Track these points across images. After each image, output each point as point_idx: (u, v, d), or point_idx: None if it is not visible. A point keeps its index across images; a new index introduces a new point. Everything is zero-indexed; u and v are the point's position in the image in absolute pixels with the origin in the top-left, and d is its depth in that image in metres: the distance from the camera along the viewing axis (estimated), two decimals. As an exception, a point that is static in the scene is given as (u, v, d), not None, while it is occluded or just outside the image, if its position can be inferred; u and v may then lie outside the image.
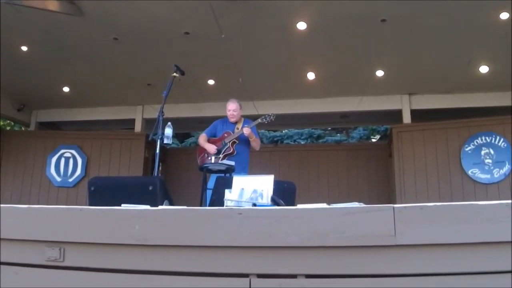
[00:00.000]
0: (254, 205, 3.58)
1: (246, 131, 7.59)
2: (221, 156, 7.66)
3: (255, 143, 7.93)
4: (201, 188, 7.21)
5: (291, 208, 2.88)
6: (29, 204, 10.21)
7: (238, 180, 3.91)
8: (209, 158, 7.68)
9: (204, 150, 7.97)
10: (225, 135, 7.94)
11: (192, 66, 8.14)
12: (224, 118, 8.22)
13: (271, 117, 7.83)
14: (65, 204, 11.73)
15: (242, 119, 8.12)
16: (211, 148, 7.81)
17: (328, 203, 3.07)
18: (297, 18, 8.95)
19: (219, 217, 2.86)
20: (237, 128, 7.91)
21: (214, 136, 8.10)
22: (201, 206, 6.70)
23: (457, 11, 8.33)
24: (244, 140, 7.86)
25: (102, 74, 11.45)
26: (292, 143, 19.55)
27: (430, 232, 2.56)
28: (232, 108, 8.01)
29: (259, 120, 7.83)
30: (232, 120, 8.04)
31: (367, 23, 8.88)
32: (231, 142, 7.82)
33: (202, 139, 8.10)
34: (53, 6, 8.57)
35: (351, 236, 2.62)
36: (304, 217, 2.73)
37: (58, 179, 12.74)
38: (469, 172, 10.55)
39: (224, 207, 3.54)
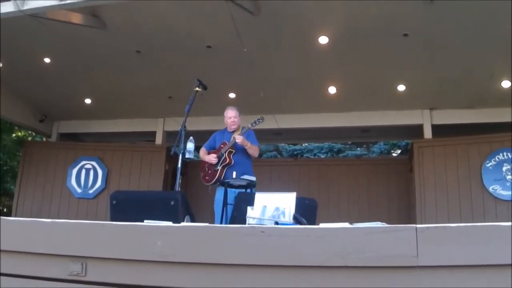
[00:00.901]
0: (277, 223, 3.57)
1: (238, 139, 7.28)
2: (219, 168, 7.44)
3: (252, 150, 7.54)
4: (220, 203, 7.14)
5: (313, 227, 2.87)
6: (49, 214, 10.28)
7: (260, 197, 3.91)
8: (209, 171, 7.56)
9: (204, 164, 7.76)
10: (221, 146, 7.67)
11: (213, 79, 8.17)
12: (222, 129, 7.98)
13: (260, 120, 7.47)
14: (85, 215, 11.84)
15: (240, 127, 7.77)
16: (211, 158, 7.56)
17: (349, 219, 3.06)
18: (319, 32, 8.96)
19: (242, 235, 2.86)
20: (233, 138, 7.54)
21: (214, 148, 7.83)
22: (221, 221, 6.67)
23: (478, 25, 8.30)
24: (241, 149, 7.54)
25: (124, 86, 11.52)
26: (312, 157, 19.53)
27: (453, 253, 2.54)
28: (232, 115, 7.72)
29: (249, 125, 7.45)
30: (233, 127, 7.73)
31: (389, 37, 8.88)
32: (227, 152, 7.51)
33: (202, 153, 7.88)
34: (76, 19, 8.65)
35: (373, 256, 2.61)
36: (326, 236, 2.72)
37: (79, 190, 12.79)
38: (490, 189, 10.42)
39: (246, 225, 3.54)
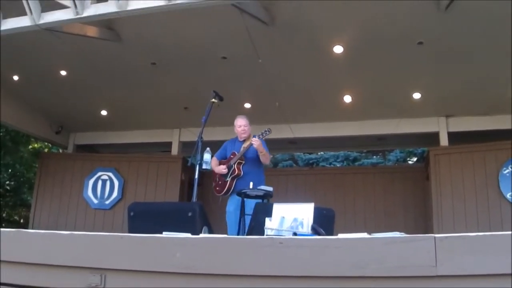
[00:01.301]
0: (295, 234, 3.57)
1: (256, 142, 7.08)
2: (228, 179, 7.36)
3: (265, 157, 7.41)
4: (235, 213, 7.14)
5: (331, 238, 2.87)
6: (66, 225, 10.33)
7: (278, 208, 3.91)
8: (219, 182, 7.49)
9: (215, 175, 7.62)
10: (231, 156, 7.55)
11: (228, 89, 8.19)
12: (233, 138, 7.85)
13: (268, 132, 7.25)
14: (101, 226, 11.88)
15: (251, 136, 7.48)
16: (221, 169, 7.45)
17: (366, 228, 3.06)
18: (333, 41, 8.98)
19: (260, 247, 2.86)
20: (244, 148, 7.42)
21: (225, 158, 7.69)
22: (238, 232, 6.65)
23: (492, 32, 8.27)
24: (251, 159, 7.44)
25: (139, 97, 11.57)
26: (328, 165, 19.50)
27: (472, 263, 2.53)
28: (242, 124, 7.60)
29: (256, 137, 7.19)
30: (243, 136, 7.58)
31: (404, 45, 8.87)
32: (236, 163, 7.39)
33: (213, 163, 7.57)
34: (92, 32, 8.72)
35: (392, 266, 2.60)
36: (345, 247, 2.72)
37: (95, 201, 12.84)
38: (508, 196, 10.35)
39: (265, 236, 3.54)
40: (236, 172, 7.33)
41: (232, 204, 7.31)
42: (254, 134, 7.29)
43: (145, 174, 12.93)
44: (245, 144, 7.42)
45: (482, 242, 2.59)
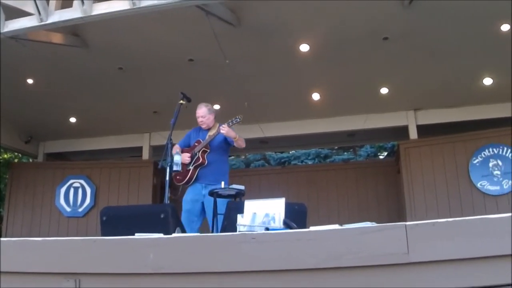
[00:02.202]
0: (267, 229, 3.59)
1: (224, 129, 6.83)
2: (191, 168, 7.08)
3: (241, 141, 7.14)
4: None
5: (304, 231, 2.88)
6: (39, 235, 10.24)
7: (250, 205, 3.92)
8: (181, 171, 7.05)
9: None
10: (196, 144, 7.26)
11: (197, 92, 8.16)
12: (198, 127, 7.50)
13: (238, 119, 6.95)
14: (75, 234, 11.82)
15: (217, 125, 7.22)
16: (185, 157, 7.12)
17: (339, 223, 3.08)
18: (300, 40, 9.01)
19: (233, 243, 2.87)
20: (209, 136, 7.16)
21: (188, 146, 7.39)
22: (212, 231, 6.59)
23: (457, 25, 8.38)
24: (217, 148, 7.17)
25: (108, 103, 11.53)
26: (300, 163, 19.53)
27: (443, 248, 2.56)
28: (199, 115, 7.30)
29: (225, 124, 6.90)
30: (203, 127, 7.34)
31: (369, 42, 8.93)
32: (201, 151, 7.11)
33: (175, 151, 7.17)
34: (57, 39, 8.66)
35: (366, 256, 2.63)
36: (318, 239, 2.74)
37: (68, 209, 12.75)
38: (478, 185, 10.49)
39: (237, 233, 3.55)
40: (200, 160, 7.07)
41: (190, 194, 7.11)
42: (223, 122, 7.02)
43: (117, 180, 12.88)
44: (211, 132, 7.20)
45: (452, 227, 2.62)
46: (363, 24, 8.42)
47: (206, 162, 7.10)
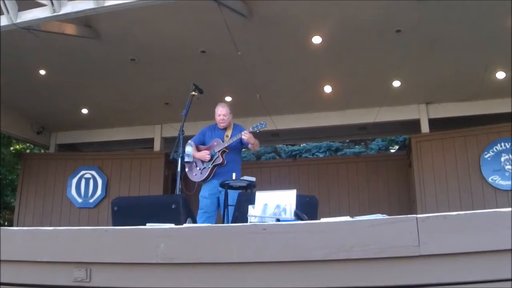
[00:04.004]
0: (278, 220, 3.59)
1: (245, 135, 7.03)
2: (210, 166, 7.20)
3: (257, 146, 7.42)
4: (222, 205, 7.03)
5: (315, 222, 2.89)
6: (50, 225, 10.30)
7: (261, 196, 3.92)
8: (197, 168, 7.32)
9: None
10: (214, 143, 7.37)
11: (209, 83, 8.14)
12: (212, 125, 7.67)
13: (263, 125, 7.13)
14: (86, 224, 11.87)
15: (232, 124, 7.55)
16: (205, 154, 7.26)
17: (351, 216, 3.07)
18: (312, 32, 8.98)
19: (244, 234, 2.88)
20: (226, 136, 7.35)
21: (203, 144, 7.51)
22: (223, 223, 6.62)
23: (470, 19, 8.32)
24: (234, 148, 7.36)
25: (120, 94, 11.53)
26: (311, 156, 19.53)
27: (454, 241, 2.56)
28: (222, 113, 7.44)
29: (250, 129, 7.14)
30: (222, 125, 7.48)
31: (382, 34, 8.89)
32: (220, 151, 7.25)
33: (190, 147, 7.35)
34: (70, 30, 8.66)
35: (376, 248, 2.63)
36: (329, 230, 2.74)
37: (79, 200, 12.79)
38: (490, 179, 10.44)
39: (248, 223, 3.56)
40: (221, 161, 7.20)
41: (207, 190, 7.23)
42: (252, 126, 7.18)
43: (128, 171, 12.91)
44: (228, 132, 7.41)
45: (463, 220, 2.62)
46: (375, 16, 8.37)
47: (226, 162, 7.24)
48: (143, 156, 13.42)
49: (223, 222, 6.58)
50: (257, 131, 7.16)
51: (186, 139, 6.86)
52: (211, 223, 6.86)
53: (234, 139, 7.21)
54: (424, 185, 10.93)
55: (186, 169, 7.43)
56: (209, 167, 7.25)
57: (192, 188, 7.43)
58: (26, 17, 7.49)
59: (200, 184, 7.38)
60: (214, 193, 7.19)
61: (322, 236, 2.73)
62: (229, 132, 7.42)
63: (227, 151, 7.30)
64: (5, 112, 11.83)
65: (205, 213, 7.08)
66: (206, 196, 7.18)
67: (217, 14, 8.02)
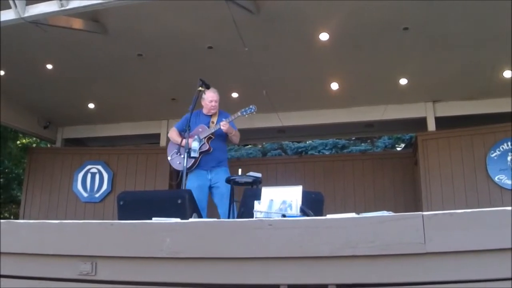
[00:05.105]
0: (284, 216, 3.59)
1: (224, 126, 6.88)
2: (197, 154, 6.89)
3: (235, 138, 7.22)
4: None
5: (321, 218, 2.89)
6: (56, 219, 10.33)
7: (267, 191, 3.92)
8: (182, 156, 6.93)
9: (173, 147, 7.33)
10: (200, 129, 7.13)
11: (215, 79, 8.12)
12: (197, 111, 7.29)
13: (252, 109, 7.02)
14: (92, 219, 11.82)
15: (217, 111, 7.31)
16: (190, 141, 6.89)
17: (356, 213, 3.07)
18: (319, 29, 8.97)
19: (250, 229, 2.88)
20: (212, 122, 7.14)
21: (186, 131, 7.05)
22: (228, 218, 6.56)
23: (478, 17, 8.30)
24: (220, 135, 7.13)
25: (127, 90, 11.55)
26: (317, 153, 19.53)
27: (460, 239, 2.56)
28: (214, 99, 7.22)
29: (239, 114, 7.03)
30: (213, 111, 7.27)
31: (389, 31, 8.88)
32: (206, 138, 7.04)
33: (174, 133, 7.33)
34: (77, 24, 8.67)
35: (382, 244, 2.63)
36: (334, 227, 2.74)
37: (85, 194, 12.81)
38: (496, 179, 10.41)
39: (254, 219, 3.56)
40: (207, 147, 7.01)
41: (196, 181, 6.96)
42: (240, 110, 7.07)
43: (134, 166, 12.92)
44: (213, 118, 7.23)
45: (470, 218, 2.62)
46: (383, 14, 8.36)
47: (212, 149, 7.06)
48: (149, 151, 13.41)
49: (228, 217, 6.52)
50: (246, 115, 7.08)
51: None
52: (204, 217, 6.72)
53: (218, 126, 7.04)
54: (430, 184, 10.91)
55: (169, 158, 7.37)
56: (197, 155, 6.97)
57: (176, 177, 7.20)
58: (33, 11, 7.49)
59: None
60: (203, 184, 6.98)
61: (327, 232, 2.73)
62: (214, 119, 7.24)
63: (213, 137, 7.12)
64: (12, 106, 11.87)
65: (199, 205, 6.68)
66: (194, 187, 6.75)
67: (224, 10, 8.03)
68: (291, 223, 2.86)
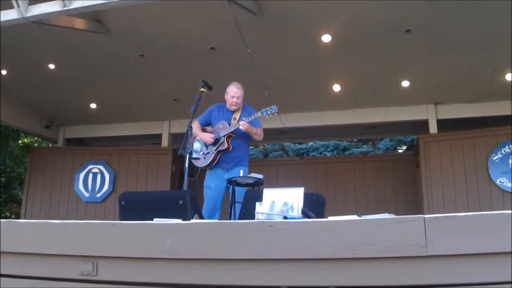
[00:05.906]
0: (285, 217, 3.59)
1: (243, 126, 6.60)
2: (214, 152, 6.77)
3: (257, 136, 6.92)
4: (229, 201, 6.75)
5: (322, 220, 2.89)
6: (57, 219, 10.33)
7: (269, 193, 3.92)
8: (201, 152, 6.91)
9: (194, 141, 7.06)
10: (220, 126, 6.93)
11: (218, 80, 8.11)
12: (221, 104, 7.15)
13: (273, 110, 6.68)
14: (93, 219, 11.83)
15: (241, 106, 7.04)
16: (207, 137, 6.84)
17: (358, 215, 3.07)
18: (321, 30, 8.97)
19: (251, 230, 2.88)
20: (234, 119, 6.89)
21: (209, 125, 7.10)
22: (230, 219, 6.52)
23: (480, 19, 8.29)
24: (241, 134, 6.82)
25: (129, 90, 11.55)
26: (318, 155, 19.52)
27: (461, 242, 2.55)
28: (236, 95, 6.93)
29: (259, 114, 6.70)
30: (233, 107, 6.98)
31: (392, 34, 8.87)
32: (226, 136, 6.80)
33: (196, 127, 7.02)
34: (80, 24, 8.67)
35: (383, 247, 2.62)
36: (335, 229, 2.74)
37: (86, 194, 12.83)
38: (497, 182, 10.40)
39: (256, 220, 3.56)
40: (226, 146, 6.78)
41: (212, 180, 6.84)
42: (261, 110, 6.76)
43: (136, 166, 12.93)
44: (236, 115, 6.97)
45: (471, 221, 2.61)
46: (385, 16, 8.36)
47: (231, 147, 6.84)
48: (151, 152, 13.43)
49: (229, 219, 6.49)
50: (266, 116, 6.74)
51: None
52: (215, 218, 6.65)
53: (234, 126, 6.80)
54: (432, 186, 10.91)
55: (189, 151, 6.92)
56: (213, 153, 6.84)
57: (196, 173, 7.15)
58: (36, 11, 7.49)
59: (203, 170, 7.07)
60: (219, 184, 6.80)
61: (329, 234, 2.73)
62: (237, 115, 6.97)
63: (234, 136, 6.88)
64: (14, 106, 11.89)
65: (209, 205, 6.75)
66: (211, 186, 6.78)
67: (227, 11, 8.04)
68: (293, 225, 2.86)
